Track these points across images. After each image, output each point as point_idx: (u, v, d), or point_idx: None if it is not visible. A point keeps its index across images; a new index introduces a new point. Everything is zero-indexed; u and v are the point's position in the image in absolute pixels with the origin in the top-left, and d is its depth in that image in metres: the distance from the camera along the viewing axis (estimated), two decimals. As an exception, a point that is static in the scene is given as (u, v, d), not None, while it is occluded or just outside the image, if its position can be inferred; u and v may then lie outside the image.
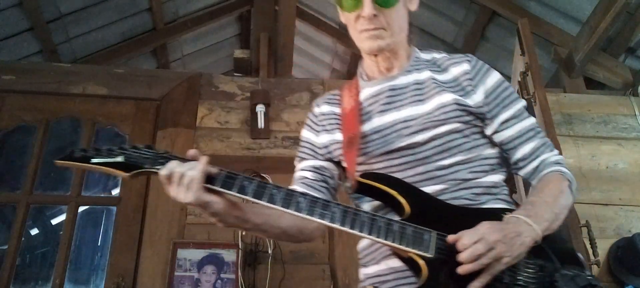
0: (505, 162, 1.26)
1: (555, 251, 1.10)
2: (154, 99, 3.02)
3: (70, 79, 3.03)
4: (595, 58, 3.34)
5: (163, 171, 1.05)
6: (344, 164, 1.28)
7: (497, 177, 1.22)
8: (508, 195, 1.23)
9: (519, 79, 2.77)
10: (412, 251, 1.05)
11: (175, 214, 2.70)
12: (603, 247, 2.65)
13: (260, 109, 2.97)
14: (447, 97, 1.21)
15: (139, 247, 2.63)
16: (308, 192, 1.20)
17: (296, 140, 2.96)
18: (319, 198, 1.09)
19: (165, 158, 1.09)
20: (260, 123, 2.95)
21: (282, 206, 1.06)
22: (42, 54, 3.73)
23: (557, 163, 1.21)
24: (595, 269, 2.52)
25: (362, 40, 1.25)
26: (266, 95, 3.05)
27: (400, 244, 1.05)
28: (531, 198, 1.16)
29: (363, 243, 1.27)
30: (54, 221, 4.27)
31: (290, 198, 1.07)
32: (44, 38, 3.60)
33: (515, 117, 1.24)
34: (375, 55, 1.29)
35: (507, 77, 3.58)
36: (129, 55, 4.27)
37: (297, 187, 1.28)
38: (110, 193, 3.76)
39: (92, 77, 3.05)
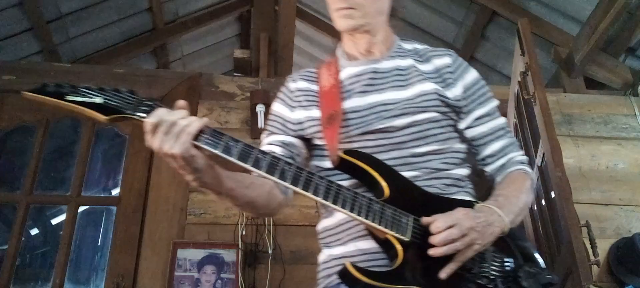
0: (471, 158, 1.30)
1: (518, 248, 1.14)
2: (154, 99, 3.02)
3: (70, 78, 3.01)
4: (595, 58, 3.34)
5: (151, 118, 0.98)
6: (319, 141, 1.27)
7: (464, 171, 1.25)
8: (473, 189, 1.26)
9: (519, 79, 2.77)
10: (390, 233, 1.05)
11: (175, 214, 2.70)
12: (603, 247, 2.64)
13: (260, 108, 2.97)
14: (429, 86, 1.25)
15: (139, 247, 2.63)
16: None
17: (296, 140, 2.97)
18: (303, 168, 1.05)
19: (149, 107, 1.01)
20: (260, 123, 2.95)
21: (267, 172, 1.01)
22: (42, 54, 3.73)
23: (522, 162, 1.26)
24: (595, 269, 2.51)
25: (336, 18, 1.27)
26: (266, 95, 3.05)
27: (379, 225, 1.05)
28: (499, 191, 1.20)
29: (328, 223, 1.25)
30: (54, 221, 4.27)
31: (275, 165, 1.02)
32: (44, 38, 3.60)
33: (489, 115, 1.29)
34: (352, 35, 1.31)
35: (507, 77, 3.60)
36: (129, 55, 4.26)
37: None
38: (110, 193, 3.76)
39: (92, 77, 3.05)
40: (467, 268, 1.06)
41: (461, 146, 1.28)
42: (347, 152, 1.14)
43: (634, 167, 3.02)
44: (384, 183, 1.11)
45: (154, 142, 0.97)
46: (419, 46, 1.37)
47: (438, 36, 4.22)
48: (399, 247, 1.05)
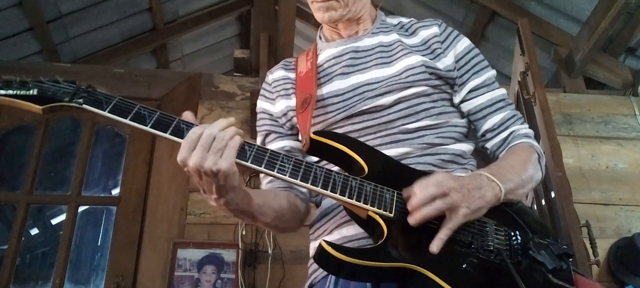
0: (474, 133, 1.19)
1: (525, 222, 1.03)
2: (154, 99, 3.02)
3: (70, 78, 3.02)
4: (595, 58, 3.34)
5: (190, 132, 0.88)
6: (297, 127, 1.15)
7: (466, 147, 1.14)
8: (476, 167, 1.14)
9: (519, 79, 2.77)
10: (372, 209, 0.93)
11: (175, 214, 2.70)
12: (603, 247, 2.65)
13: (260, 108, 2.97)
14: (415, 59, 1.13)
15: (139, 247, 2.63)
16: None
17: (296, 140, 2.98)
18: (267, 149, 0.95)
19: (88, 93, 0.97)
20: (260, 123, 2.95)
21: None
22: (42, 54, 3.73)
23: (527, 136, 1.13)
24: (595, 269, 2.51)
25: (314, 11, 1.18)
26: (266, 95, 3.04)
27: (358, 201, 0.93)
28: (497, 162, 1.08)
29: (314, 216, 1.17)
30: (54, 221, 4.28)
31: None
32: (44, 38, 3.59)
33: (485, 86, 1.17)
34: (334, 25, 1.22)
35: (507, 77, 3.59)
36: (129, 55, 4.27)
37: None
38: (110, 193, 3.77)
39: (92, 77, 3.05)
40: (466, 243, 0.93)
41: (460, 121, 1.16)
42: (317, 132, 1.04)
43: (634, 167, 3.02)
44: (361, 161, 1.00)
45: (192, 157, 0.86)
46: (405, 20, 1.26)
47: (438, 36, 4.22)
48: (383, 225, 0.92)
